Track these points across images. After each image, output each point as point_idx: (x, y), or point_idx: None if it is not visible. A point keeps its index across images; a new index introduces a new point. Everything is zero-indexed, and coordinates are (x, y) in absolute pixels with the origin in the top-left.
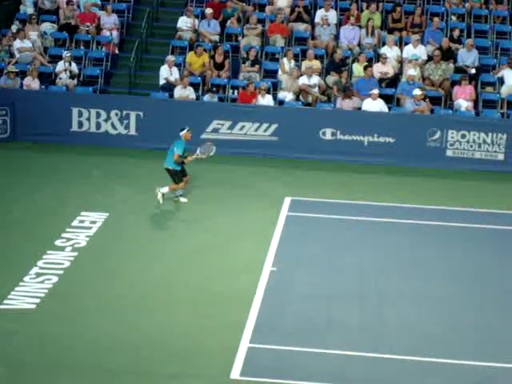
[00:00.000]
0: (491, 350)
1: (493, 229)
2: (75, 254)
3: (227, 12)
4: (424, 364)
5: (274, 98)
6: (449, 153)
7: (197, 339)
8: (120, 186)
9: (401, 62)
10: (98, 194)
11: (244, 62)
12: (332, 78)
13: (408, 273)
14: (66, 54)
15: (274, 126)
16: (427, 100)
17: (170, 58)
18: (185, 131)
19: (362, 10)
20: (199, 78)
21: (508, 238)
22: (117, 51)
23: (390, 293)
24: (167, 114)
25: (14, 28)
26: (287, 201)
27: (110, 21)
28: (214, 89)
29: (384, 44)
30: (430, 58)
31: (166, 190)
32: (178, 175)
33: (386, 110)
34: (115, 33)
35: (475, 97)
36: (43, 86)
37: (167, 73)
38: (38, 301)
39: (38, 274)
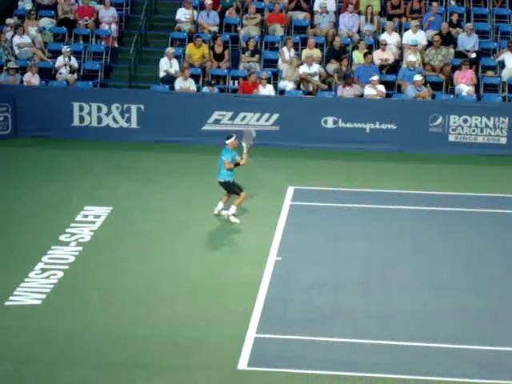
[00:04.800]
0: (497, 333)
1: (497, 213)
2: (80, 248)
3: (226, 2)
4: (430, 349)
5: (275, 87)
6: (451, 138)
7: (203, 330)
8: (123, 179)
9: (401, 48)
10: (101, 188)
11: (244, 52)
12: (332, 66)
13: (413, 259)
14: (65, 48)
15: (275, 116)
16: (428, 85)
17: (170, 50)
18: (232, 139)
19: None
20: (199, 70)
21: None
22: (116, 45)
23: (396, 280)
24: (168, 107)
25: (10, 21)
26: (290, 190)
27: (108, 14)
28: (213, 81)
29: (383, 30)
30: (430, 44)
31: (233, 209)
32: (234, 186)
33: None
34: (114, 26)
35: (476, 81)
36: (43, 82)
37: (167, 65)
38: (43, 296)
39: (44, 270)
